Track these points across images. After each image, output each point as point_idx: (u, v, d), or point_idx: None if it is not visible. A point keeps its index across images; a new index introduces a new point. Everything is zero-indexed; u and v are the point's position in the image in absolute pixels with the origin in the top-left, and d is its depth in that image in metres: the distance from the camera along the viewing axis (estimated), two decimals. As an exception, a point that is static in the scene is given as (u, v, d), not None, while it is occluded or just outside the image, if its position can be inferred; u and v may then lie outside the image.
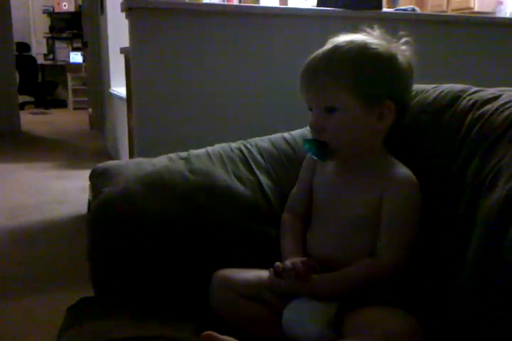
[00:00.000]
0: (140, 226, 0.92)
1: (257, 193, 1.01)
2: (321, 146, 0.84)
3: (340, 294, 0.79)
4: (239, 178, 1.01)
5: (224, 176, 1.00)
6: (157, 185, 0.96)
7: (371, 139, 0.86)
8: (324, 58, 0.85)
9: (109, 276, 0.92)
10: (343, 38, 0.87)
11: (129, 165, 1.05)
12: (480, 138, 0.81)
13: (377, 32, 0.89)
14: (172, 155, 1.05)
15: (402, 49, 0.88)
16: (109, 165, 1.06)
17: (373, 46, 0.84)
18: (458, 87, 0.94)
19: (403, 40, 0.89)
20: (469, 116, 0.85)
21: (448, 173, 0.84)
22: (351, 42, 0.85)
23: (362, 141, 0.85)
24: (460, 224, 0.78)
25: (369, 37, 0.87)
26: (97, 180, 1.02)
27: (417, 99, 0.97)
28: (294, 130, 1.16)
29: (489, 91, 0.89)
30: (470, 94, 0.90)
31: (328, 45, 0.87)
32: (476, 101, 0.87)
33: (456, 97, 0.91)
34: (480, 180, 0.77)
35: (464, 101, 0.89)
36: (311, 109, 0.86)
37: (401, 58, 0.86)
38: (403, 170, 0.84)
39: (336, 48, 0.85)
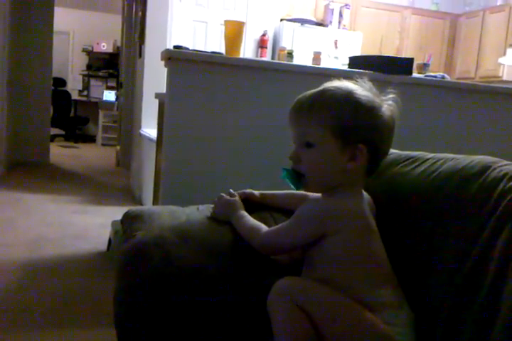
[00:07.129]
0: (172, 277, 0.90)
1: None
2: (297, 176, 0.94)
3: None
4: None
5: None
6: (191, 237, 0.96)
7: (340, 176, 0.94)
8: (310, 99, 0.94)
9: (133, 323, 0.89)
10: (334, 83, 0.96)
11: (163, 212, 1.05)
12: (509, 212, 0.81)
13: (367, 84, 0.97)
14: (203, 207, 1.07)
15: (389, 103, 0.95)
16: (142, 210, 1.06)
17: (357, 96, 0.92)
18: (489, 158, 0.94)
19: (391, 96, 0.96)
20: (499, 188, 0.85)
21: (466, 256, 0.85)
22: (338, 88, 0.94)
23: (332, 176, 0.94)
24: (483, 310, 0.77)
25: (358, 87, 0.95)
26: (130, 223, 1.02)
27: (446, 165, 0.98)
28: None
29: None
30: (501, 166, 0.90)
31: (319, 88, 0.96)
32: (506, 173, 0.87)
33: (487, 167, 0.91)
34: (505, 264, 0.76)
35: (495, 172, 0.89)
36: (295, 142, 0.96)
37: (384, 111, 0.93)
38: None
39: (323, 91, 0.94)
